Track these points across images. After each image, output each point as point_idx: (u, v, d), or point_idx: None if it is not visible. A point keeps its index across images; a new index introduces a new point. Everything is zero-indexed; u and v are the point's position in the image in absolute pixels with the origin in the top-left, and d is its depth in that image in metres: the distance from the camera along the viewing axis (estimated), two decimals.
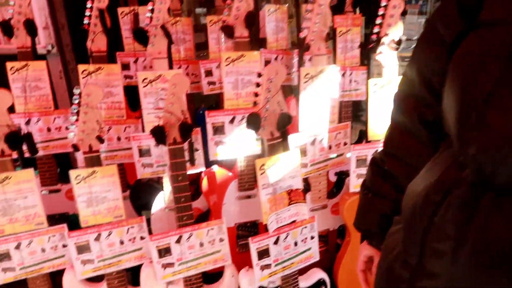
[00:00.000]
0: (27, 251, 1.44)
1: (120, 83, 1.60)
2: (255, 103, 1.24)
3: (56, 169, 1.82)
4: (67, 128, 1.71)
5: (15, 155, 1.37)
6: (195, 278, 1.45)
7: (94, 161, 1.34)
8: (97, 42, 1.54)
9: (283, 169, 1.33)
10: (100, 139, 1.32)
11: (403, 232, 0.71)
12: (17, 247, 1.43)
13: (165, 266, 1.40)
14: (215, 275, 1.54)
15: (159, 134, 1.25)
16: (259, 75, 1.24)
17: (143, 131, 1.69)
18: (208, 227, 1.42)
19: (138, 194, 1.80)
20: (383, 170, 0.91)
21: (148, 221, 1.63)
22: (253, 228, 1.73)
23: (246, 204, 1.66)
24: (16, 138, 1.32)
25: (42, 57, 1.88)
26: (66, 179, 1.88)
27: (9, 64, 1.60)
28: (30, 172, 1.38)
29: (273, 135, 1.29)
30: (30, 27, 1.56)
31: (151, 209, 1.71)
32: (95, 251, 1.42)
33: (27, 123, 1.67)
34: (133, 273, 1.57)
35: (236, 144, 1.54)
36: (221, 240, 1.45)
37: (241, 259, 1.55)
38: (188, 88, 1.28)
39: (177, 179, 1.33)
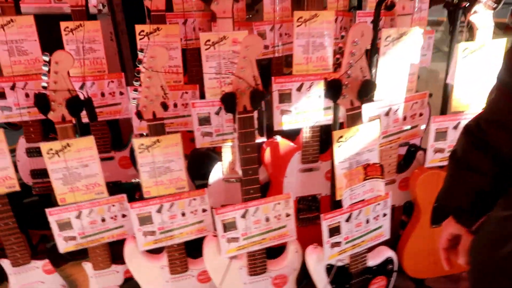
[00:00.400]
0: (88, 220, 1.41)
1: (178, 45, 1.49)
2: (338, 66, 1.11)
3: (110, 136, 1.77)
4: (121, 93, 1.64)
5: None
6: (259, 254, 1.39)
7: (158, 129, 1.26)
8: (156, 0, 1.42)
9: (361, 141, 1.22)
10: (165, 106, 1.23)
11: None
12: (78, 216, 1.40)
13: (230, 240, 1.34)
14: (276, 249, 1.47)
15: (230, 101, 1.15)
16: (342, 36, 1.10)
17: (200, 97, 1.59)
18: (275, 201, 1.33)
19: (195, 164, 1.73)
20: (481, 140, 0.80)
21: None
22: (314, 202, 1.64)
23: (308, 177, 1.57)
24: (77, 104, 1.25)
25: (93, 17, 1.79)
26: (118, 147, 1.84)
27: (63, 24, 1.52)
28: (90, 140, 1.32)
29: (353, 104, 1.17)
30: None
31: (207, 179, 1.64)
32: (156, 222, 1.37)
33: (81, 87, 1.60)
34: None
35: (303, 113, 1.43)
36: (288, 215, 1.37)
37: (301, 234, 1.47)
38: (261, 51, 1.16)
39: (246, 150, 1.24)
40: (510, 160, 0.68)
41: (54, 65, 1.21)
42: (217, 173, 1.59)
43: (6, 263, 1.50)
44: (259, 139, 1.42)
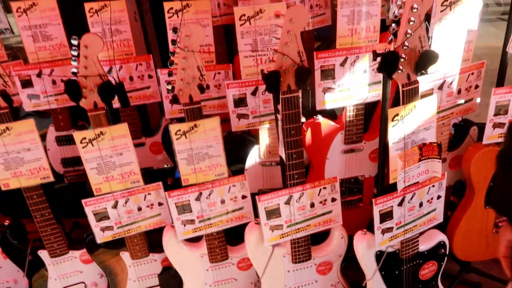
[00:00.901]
0: (124, 209, 1.36)
1: (210, 22, 1.39)
2: (394, 36, 1.00)
3: (140, 122, 1.71)
4: (150, 77, 1.57)
5: None
6: (303, 240, 1.32)
7: (195, 113, 1.18)
8: None
9: (417, 119, 1.11)
10: (202, 88, 1.15)
11: None
12: (114, 206, 1.35)
13: (273, 228, 1.27)
14: (317, 234, 1.40)
15: (274, 80, 1.06)
16: (398, 3, 0.98)
17: (234, 77, 1.51)
18: (320, 185, 1.25)
19: (229, 148, 1.65)
20: None
21: None
22: (357, 184, 1.55)
23: (351, 158, 1.48)
24: (110, 89, 1.18)
25: None
26: (148, 132, 1.78)
27: (87, 5, 1.44)
28: (124, 127, 1.25)
29: (410, 78, 1.06)
30: None
31: (240, 163, 1.57)
32: (195, 211, 1.31)
33: (109, 72, 1.53)
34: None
35: (347, 90, 1.33)
36: (334, 200, 1.29)
37: (343, 217, 1.39)
38: (306, 24, 1.05)
39: (290, 132, 1.15)
40: None
41: (83, 49, 1.13)
42: (254, 157, 1.51)
43: (44, 254, 1.48)
44: None
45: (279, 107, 1.13)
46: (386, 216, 1.21)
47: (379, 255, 1.29)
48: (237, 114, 1.40)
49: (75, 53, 1.15)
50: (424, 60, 1.02)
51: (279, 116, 1.14)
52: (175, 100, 1.15)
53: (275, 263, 1.34)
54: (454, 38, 1.22)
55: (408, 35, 0.99)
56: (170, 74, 1.14)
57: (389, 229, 1.24)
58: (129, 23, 1.47)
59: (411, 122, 1.10)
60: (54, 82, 1.59)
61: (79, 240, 1.55)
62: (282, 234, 1.28)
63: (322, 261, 1.37)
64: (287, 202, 1.24)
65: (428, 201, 1.26)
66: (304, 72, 1.06)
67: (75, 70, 1.17)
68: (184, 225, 1.32)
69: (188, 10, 1.36)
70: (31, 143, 1.29)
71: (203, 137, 1.21)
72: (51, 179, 1.36)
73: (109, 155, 1.27)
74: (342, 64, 1.28)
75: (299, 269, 1.36)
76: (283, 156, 1.18)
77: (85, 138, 1.23)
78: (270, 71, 1.05)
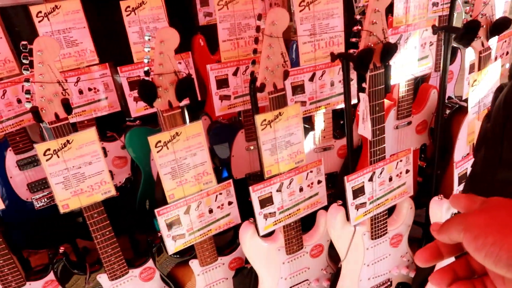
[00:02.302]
0: (196, 214, 1.30)
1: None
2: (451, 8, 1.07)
3: None
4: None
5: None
6: (382, 215, 1.35)
7: (280, 101, 1.16)
8: None
9: (488, 83, 1.20)
10: (286, 74, 1.13)
11: None
12: (187, 211, 1.28)
13: (358, 207, 1.29)
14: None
15: (367, 58, 1.08)
16: None
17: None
18: (397, 159, 1.29)
19: None
20: None
21: None
22: None
23: (401, 133, 1.54)
24: (189, 86, 1.12)
25: None
26: None
27: (123, 4, 1.34)
28: (199, 125, 1.19)
29: (484, 45, 1.14)
30: None
31: None
32: (276, 202, 1.28)
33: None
34: None
35: (401, 67, 1.38)
36: (407, 171, 1.34)
37: None
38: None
39: (375, 109, 1.18)
40: None
41: (159, 45, 1.06)
42: (309, 143, 1.52)
43: (103, 278, 1.35)
44: None
45: (364, 85, 1.15)
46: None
47: None
48: (295, 101, 1.39)
49: (147, 50, 1.07)
50: (497, 26, 1.10)
51: (362, 96, 1.16)
52: (261, 89, 1.12)
53: (355, 243, 1.36)
54: None
55: (484, 5, 1.06)
56: (253, 63, 1.11)
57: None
58: (167, 21, 1.40)
59: (485, 86, 1.19)
60: (81, 92, 1.47)
61: (133, 258, 1.44)
62: (365, 211, 1.31)
63: (395, 233, 1.42)
64: (370, 179, 1.27)
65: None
66: (391, 47, 1.09)
67: (147, 68, 1.09)
68: (266, 219, 1.29)
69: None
70: (92, 155, 1.18)
71: (286, 124, 1.19)
72: (113, 193, 1.25)
73: (183, 156, 1.20)
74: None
75: (376, 245, 1.39)
76: (368, 134, 1.20)
77: (160, 141, 1.15)
78: (363, 49, 1.07)
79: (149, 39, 1.06)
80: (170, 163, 1.18)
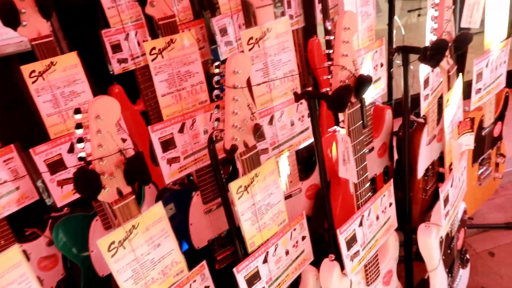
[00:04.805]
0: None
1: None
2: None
3: None
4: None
5: None
6: (373, 258, 1.23)
7: (254, 161, 0.97)
8: None
9: (456, 100, 1.16)
10: (257, 128, 0.95)
11: None
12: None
13: (353, 257, 1.15)
14: None
15: (346, 96, 0.95)
16: None
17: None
18: (381, 194, 1.19)
19: None
20: None
21: None
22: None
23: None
24: (138, 166, 0.87)
25: None
26: None
27: (25, 69, 1.03)
28: (159, 208, 0.94)
29: (449, 63, 1.09)
30: None
31: None
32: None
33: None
34: None
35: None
36: (390, 204, 1.24)
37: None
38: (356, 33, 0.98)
39: (356, 148, 1.05)
40: None
41: (95, 122, 0.80)
42: None
43: None
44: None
45: (342, 124, 1.02)
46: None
47: (441, 241, 1.30)
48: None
49: (79, 132, 0.81)
50: (459, 42, 1.06)
51: (340, 136, 1.03)
52: (231, 152, 0.92)
53: None
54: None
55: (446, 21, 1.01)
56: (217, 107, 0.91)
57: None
58: (87, 81, 1.13)
59: (453, 104, 1.14)
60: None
61: None
62: (360, 260, 1.17)
63: (386, 271, 1.31)
64: (360, 224, 1.14)
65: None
66: (366, 79, 0.98)
67: (83, 154, 0.82)
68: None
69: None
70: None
71: (263, 185, 1.00)
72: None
73: (145, 252, 0.94)
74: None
75: None
76: (352, 177, 1.07)
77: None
78: (340, 87, 0.94)
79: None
80: (130, 265, 0.92)
